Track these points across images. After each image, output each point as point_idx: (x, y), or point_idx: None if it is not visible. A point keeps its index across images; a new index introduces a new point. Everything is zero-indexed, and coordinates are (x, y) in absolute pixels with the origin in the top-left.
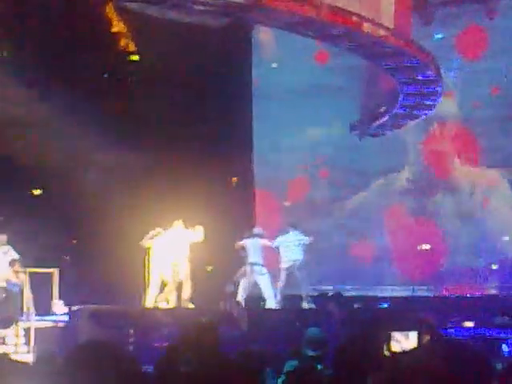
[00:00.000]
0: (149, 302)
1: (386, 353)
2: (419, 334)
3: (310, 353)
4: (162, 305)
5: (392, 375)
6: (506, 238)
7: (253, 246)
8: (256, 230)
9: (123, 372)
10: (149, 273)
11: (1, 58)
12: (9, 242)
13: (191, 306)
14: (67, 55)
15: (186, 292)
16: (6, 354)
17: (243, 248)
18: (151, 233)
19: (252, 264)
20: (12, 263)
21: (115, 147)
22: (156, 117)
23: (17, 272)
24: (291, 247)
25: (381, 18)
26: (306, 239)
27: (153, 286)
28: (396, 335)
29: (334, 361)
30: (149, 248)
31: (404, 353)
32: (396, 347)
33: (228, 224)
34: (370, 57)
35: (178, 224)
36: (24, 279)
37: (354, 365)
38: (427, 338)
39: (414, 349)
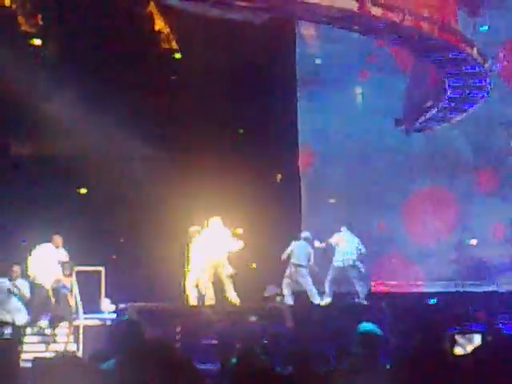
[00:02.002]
0: (191, 300)
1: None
2: (483, 336)
3: (361, 349)
4: (207, 303)
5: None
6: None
7: (298, 248)
8: (303, 234)
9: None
10: (189, 271)
11: (46, 57)
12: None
13: (237, 302)
14: (110, 54)
15: (230, 290)
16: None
17: (291, 252)
18: (190, 231)
19: (296, 265)
20: (63, 266)
21: (162, 145)
22: (200, 114)
23: (66, 275)
24: (347, 248)
25: (425, 10)
26: (363, 248)
27: (193, 285)
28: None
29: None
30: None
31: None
32: (459, 351)
33: (273, 221)
34: (415, 50)
35: (216, 221)
36: (73, 281)
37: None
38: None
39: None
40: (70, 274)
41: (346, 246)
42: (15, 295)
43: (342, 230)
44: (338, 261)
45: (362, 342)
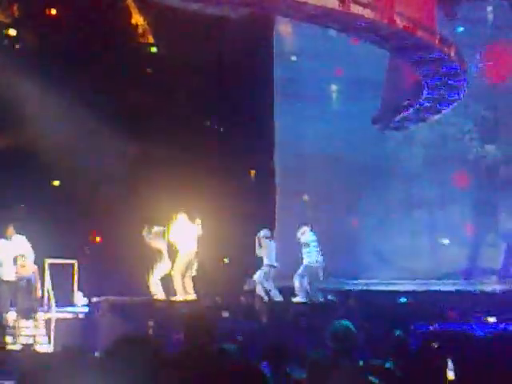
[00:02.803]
0: (159, 294)
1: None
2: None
3: (333, 345)
4: (177, 297)
5: None
6: None
7: (274, 249)
8: (269, 233)
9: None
10: (157, 264)
11: (21, 49)
12: (22, 234)
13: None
14: (86, 47)
15: (189, 284)
16: (29, 345)
17: (262, 247)
18: (154, 231)
19: (272, 266)
20: (16, 259)
21: (134, 139)
22: (175, 108)
23: (23, 266)
24: (317, 247)
25: (406, 10)
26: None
27: (158, 278)
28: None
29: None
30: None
31: None
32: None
33: (246, 217)
34: (393, 49)
35: (183, 216)
36: (35, 271)
37: None
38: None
39: None
40: (23, 266)
41: (316, 244)
42: None
43: (308, 228)
44: (318, 261)
45: (336, 339)
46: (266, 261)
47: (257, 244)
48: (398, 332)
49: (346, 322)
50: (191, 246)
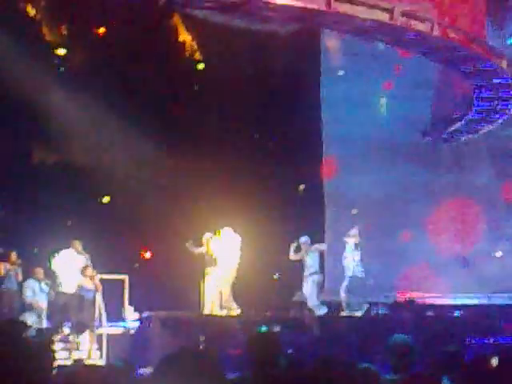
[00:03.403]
0: (207, 309)
1: None
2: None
3: (394, 360)
4: (224, 311)
5: None
6: None
7: (317, 258)
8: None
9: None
10: (205, 279)
11: (70, 68)
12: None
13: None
14: (134, 64)
15: (230, 298)
16: (81, 360)
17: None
18: (203, 238)
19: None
20: (84, 269)
21: (182, 153)
22: (223, 124)
23: (91, 277)
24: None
25: (455, 22)
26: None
27: (209, 293)
28: None
29: None
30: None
31: None
32: None
33: (296, 231)
34: (444, 61)
35: (228, 230)
36: (98, 284)
37: None
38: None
39: None
40: (94, 277)
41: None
42: (44, 297)
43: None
44: (360, 272)
45: (395, 353)
46: (310, 270)
47: (292, 249)
48: (452, 346)
49: (404, 337)
50: (235, 261)
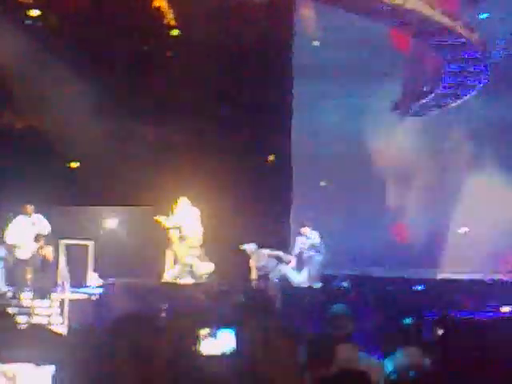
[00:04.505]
0: (168, 277)
1: None
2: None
3: (332, 330)
4: (184, 280)
5: None
6: None
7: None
8: None
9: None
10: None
11: (42, 29)
12: (40, 213)
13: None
14: (107, 28)
15: (200, 268)
16: (41, 325)
17: None
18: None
19: None
20: (37, 238)
21: (152, 122)
22: (196, 92)
23: (41, 247)
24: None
25: None
26: None
27: (170, 262)
28: None
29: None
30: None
31: None
32: None
33: (264, 203)
34: (415, 34)
35: (184, 201)
36: (49, 254)
37: None
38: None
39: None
40: (42, 246)
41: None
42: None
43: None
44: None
45: (331, 323)
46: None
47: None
48: (407, 320)
49: (341, 306)
50: (197, 230)
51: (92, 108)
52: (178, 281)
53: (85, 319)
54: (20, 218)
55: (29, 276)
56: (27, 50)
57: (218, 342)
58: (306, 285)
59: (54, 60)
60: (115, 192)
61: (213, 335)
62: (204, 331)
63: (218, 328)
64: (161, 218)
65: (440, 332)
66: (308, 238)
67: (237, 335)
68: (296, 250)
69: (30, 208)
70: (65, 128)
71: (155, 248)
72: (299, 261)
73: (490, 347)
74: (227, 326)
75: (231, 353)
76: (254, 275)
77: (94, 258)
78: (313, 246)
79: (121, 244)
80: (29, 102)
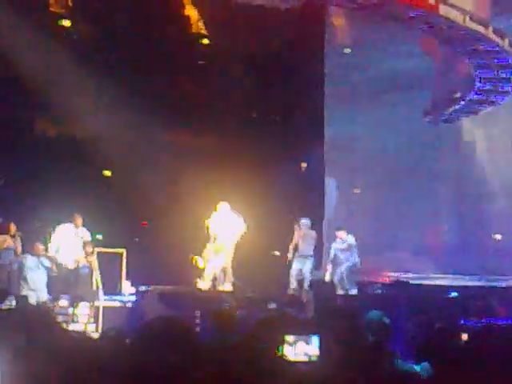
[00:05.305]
0: (204, 285)
1: None
2: None
3: (370, 337)
4: (222, 287)
5: None
6: None
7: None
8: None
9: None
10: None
11: (75, 39)
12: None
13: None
14: (139, 37)
15: (229, 276)
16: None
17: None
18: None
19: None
20: (85, 245)
21: (185, 129)
22: (225, 100)
23: (88, 254)
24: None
25: (459, 1)
26: None
27: (208, 269)
28: None
29: None
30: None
31: None
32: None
33: (296, 210)
34: (446, 40)
35: (225, 206)
36: (94, 261)
37: None
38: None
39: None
40: (91, 254)
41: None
42: (44, 271)
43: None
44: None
45: (370, 330)
46: (310, 252)
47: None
48: (439, 325)
49: (379, 313)
50: (234, 237)
51: (124, 115)
52: (210, 288)
53: (119, 327)
54: (64, 227)
55: (68, 284)
56: (62, 58)
57: (304, 348)
58: (341, 291)
59: (87, 69)
60: (149, 198)
61: (298, 341)
62: (289, 338)
63: (305, 334)
64: (196, 258)
65: (465, 338)
66: (344, 242)
67: (321, 341)
68: (331, 254)
69: (79, 219)
70: (99, 135)
71: (186, 255)
72: (334, 265)
73: None
74: (310, 332)
75: (317, 358)
76: (292, 279)
77: (127, 266)
78: (349, 250)
79: (154, 251)
80: (63, 111)
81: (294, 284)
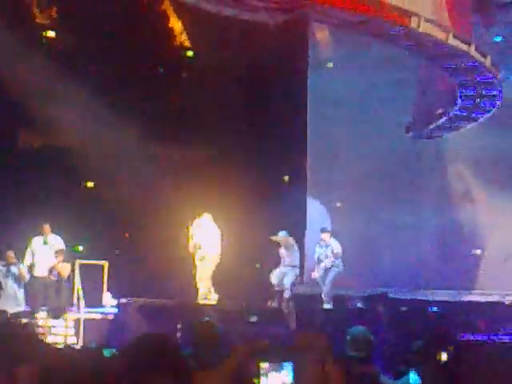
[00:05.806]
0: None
1: None
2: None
3: (352, 353)
4: (204, 300)
5: None
6: None
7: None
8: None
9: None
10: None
11: (59, 50)
12: (55, 232)
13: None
14: (123, 49)
15: (205, 287)
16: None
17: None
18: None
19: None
20: (56, 254)
21: (168, 142)
22: (209, 113)
23: (58, 263)
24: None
25: (441, 18)
26: None
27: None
28: None
29: None
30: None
31: None
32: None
33: (278, 221)
34: (429, 57)
35: (207, 217)
36: (67, 270)
37: None
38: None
39: None
40: (63, 261)
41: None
42: (12, 280)
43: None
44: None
45: (353, 346)
46: (294, 262)
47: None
48: (419, 342)
49: (362, 329)
50: (217, 249)
51: (107, 125)
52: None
53: (100, 340)
54: (37, 238)
55: (45, 295)
56: (47, 69)
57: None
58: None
59: (72, 80)
60: (131, 211)
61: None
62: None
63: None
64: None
65: (445, 356)
66: (327, 246)
67: (294, 369)
68: (315, 257)
69: (47, 228)
70: (81, 147)
71: (170, 267)
72: (317, 265)
73: (501, 372)
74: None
75: None
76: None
77: (108, 278)
78: (331, 255)
79: (135, 264)
80: (47, 121)
81: (274, 281)
